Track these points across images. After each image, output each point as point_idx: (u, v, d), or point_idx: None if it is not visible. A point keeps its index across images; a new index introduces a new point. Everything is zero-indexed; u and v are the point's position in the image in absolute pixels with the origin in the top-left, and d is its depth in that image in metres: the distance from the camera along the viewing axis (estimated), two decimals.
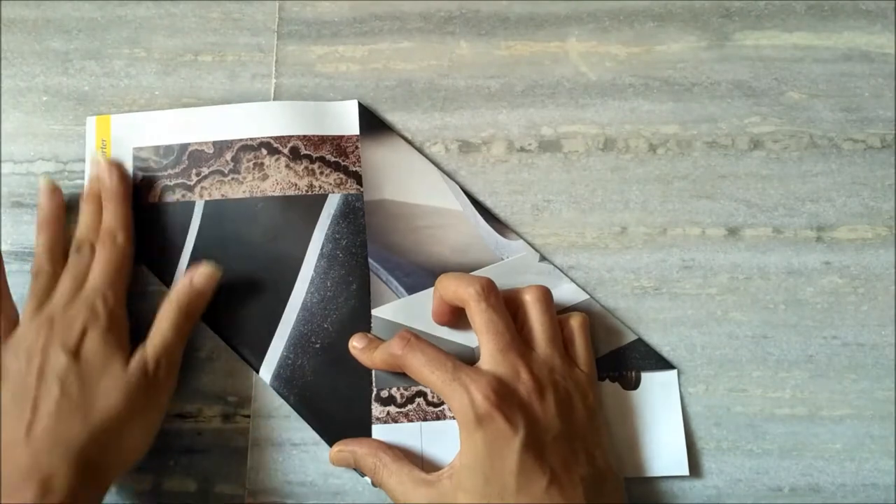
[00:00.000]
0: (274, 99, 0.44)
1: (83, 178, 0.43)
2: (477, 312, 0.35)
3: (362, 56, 0.45)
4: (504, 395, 0.33)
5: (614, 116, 0.43)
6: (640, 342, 0.40)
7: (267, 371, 0.39)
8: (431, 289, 0.40)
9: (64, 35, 0.46)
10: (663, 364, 0.39)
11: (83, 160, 0.43)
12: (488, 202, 0.42)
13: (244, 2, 0.46)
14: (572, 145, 0.43)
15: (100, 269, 0.38)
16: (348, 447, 0.37)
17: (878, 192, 0.42)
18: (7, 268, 0.42)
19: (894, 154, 0.42)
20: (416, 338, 0.36)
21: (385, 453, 0.36)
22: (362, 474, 0.37)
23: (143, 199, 0.42)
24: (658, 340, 0.40)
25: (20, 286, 0.42)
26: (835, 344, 0.40)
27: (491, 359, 0.34)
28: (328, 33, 0.45)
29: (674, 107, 0.43)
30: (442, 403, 0.39)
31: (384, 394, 0.39)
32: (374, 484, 0.37)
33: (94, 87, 0.45)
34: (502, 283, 0.40)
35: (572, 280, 0.40)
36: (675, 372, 0.39)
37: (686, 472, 0.38)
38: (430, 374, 0.34)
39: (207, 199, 0.42)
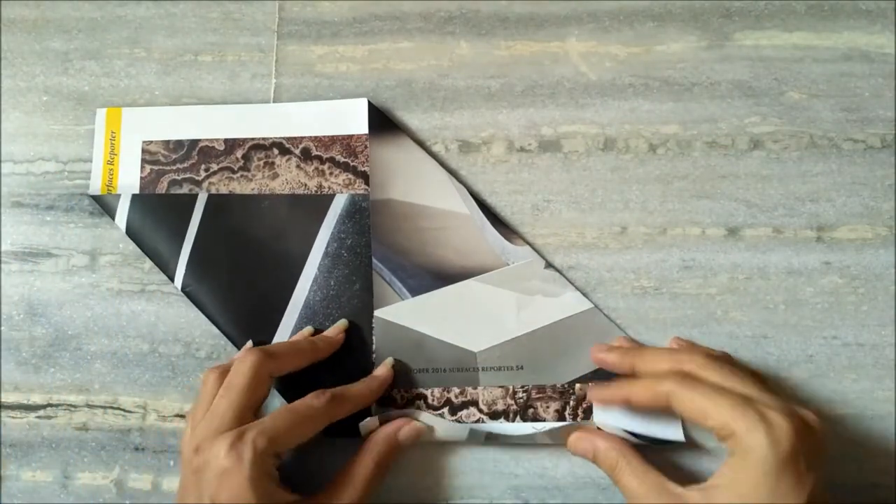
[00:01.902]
0: (274, 99, 0.44)
1: (83, 178, 0.43)
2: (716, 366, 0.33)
3: (362, 56, 0.45)
4: (806, 434, 0.31)
5: (614, 116, 0.43)
6: None
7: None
8: (434, 291, 0.40)
9: (64, 35, 0.46)
10: None
11: (83, 160, 0.44)
12: (488, 202, 0.42)
13: (244, 2, 0.46)
14: (572, 145, 0.43)
15: (229, 383, 0.35)
16: (590, 438, 0.36)
17: (878, 192, 0.42)
18: (6, 268, 0.42)
19: (894, 154, 0.42)
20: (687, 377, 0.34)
21: (632, 454, 0.34)
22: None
23: (149, 191, 0.42)
24: (658, 341, 0.40)
25: (21, 286, 0.42)
26: (835, 344, 0.40)
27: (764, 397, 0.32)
28: (328, 33, 0.45)
29: (674, 107, 0.43)
30: (441, 407, 0.39)
31: (384, 394, 0.39)
32: (612, 479, 0.35)
33: (94, 87, 0.45)
34: (507, 289, 0.40)
35: (578, 289, 0.40)
36: None
37: (681, 437, 0.37)
38: (715, 401, 0.31)
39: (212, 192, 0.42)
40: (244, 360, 0.35)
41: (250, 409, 0.34)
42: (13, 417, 0.41)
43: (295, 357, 0.37)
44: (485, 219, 0.41)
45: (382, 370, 0.39)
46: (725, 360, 0.35)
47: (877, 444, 0.39)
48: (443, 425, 0.38)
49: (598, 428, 0.37)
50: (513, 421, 0.38)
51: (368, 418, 0.38)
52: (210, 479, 0.32)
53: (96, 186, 0.43)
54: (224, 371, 0.36)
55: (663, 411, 0.34)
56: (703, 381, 0.33)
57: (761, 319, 0.40)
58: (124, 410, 0.41)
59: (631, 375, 0.36)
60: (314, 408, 0.35)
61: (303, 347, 0.38)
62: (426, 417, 0.38)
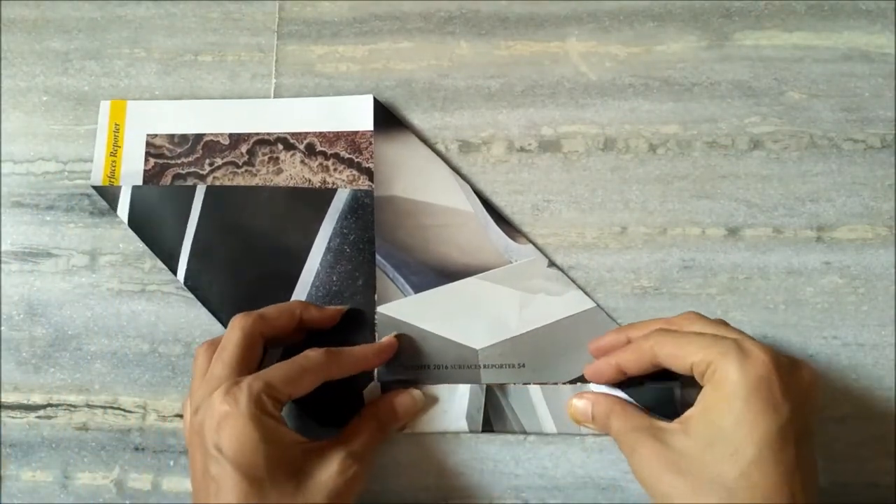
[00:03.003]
0: (274, 99, 0.44)
1: (84, 178, 0.43)
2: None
3: (362, 56, 0.45)
4: (786, 370, 0.31)
5: (614, 116, 0.43)
6: None
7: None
8: (437, 288, 0.40)
9: (64, 35, 0.46)
10: (666, 375, 0.39)
11: (83, 160, 0.44)
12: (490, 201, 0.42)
13: (244, 2, 0.46)
14: (572, 145, 0.43)
15: (222, 348, 0.35)
16: (587, 396, 0.37)
17: (878, 192, 0.42)
18: (6, 268, 0.42)
19: (894, 154, 0.42)
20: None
21: (624, 403, 0.36)
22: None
23: (152, 184, 0.43)
24: None
25: (21, 286, 0.42)
26: (835, 344, 0.40)
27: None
28: (328, 33, 0.45)
29: (674, 107, 0.43)
30: None
31: (385, 385, 0.39)
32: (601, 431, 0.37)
33: (94, 87, 0.45)
34: (510, 287, 0.40)
35: (581, 288, 0.40)
36: (677, 383, 0.39)
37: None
38: (695, 340, 0.32)
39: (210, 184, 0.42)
40: (233, 324, 0.35)
41: (245, 369, 0.34)
42: (13, 417, 0.41)
43: (283, 315, 0.37)
44: (488, 216, 0.41)
45: (385, 339, 0.39)
46: (718, 321, 0.36)
47: (877, 444, 0.39)
48: (444, 392, 0.39)
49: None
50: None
51: (371, 384, 0.39)
52: (211, 428, 0.31)
53: (98, 178, 0.43)
54: (214, 344, 0.36)
55: (655, 371, 0.35)
56: (688, 329, 0.34)
57: (761, 319, 0.40)
58: (124, 410, 0.41)
59: None
60: (310, 358, 0.34)
61: (291, 307, 0.38)
62: (427, 389, 0.39)
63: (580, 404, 0.37)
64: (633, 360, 0.35)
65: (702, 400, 0.32)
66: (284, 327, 0.37)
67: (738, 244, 0.41)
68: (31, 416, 0.41)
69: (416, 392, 0.38)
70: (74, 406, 0.41)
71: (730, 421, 0.30)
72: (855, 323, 0.40)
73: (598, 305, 0.40)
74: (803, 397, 0.31)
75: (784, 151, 0.42)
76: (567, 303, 0.40)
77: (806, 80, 0.43)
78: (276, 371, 0.33)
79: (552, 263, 0.41)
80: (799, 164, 0.42)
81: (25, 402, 0.41)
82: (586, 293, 0.40)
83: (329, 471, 0.33)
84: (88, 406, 0.41)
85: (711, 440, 0.30)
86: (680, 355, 0.32)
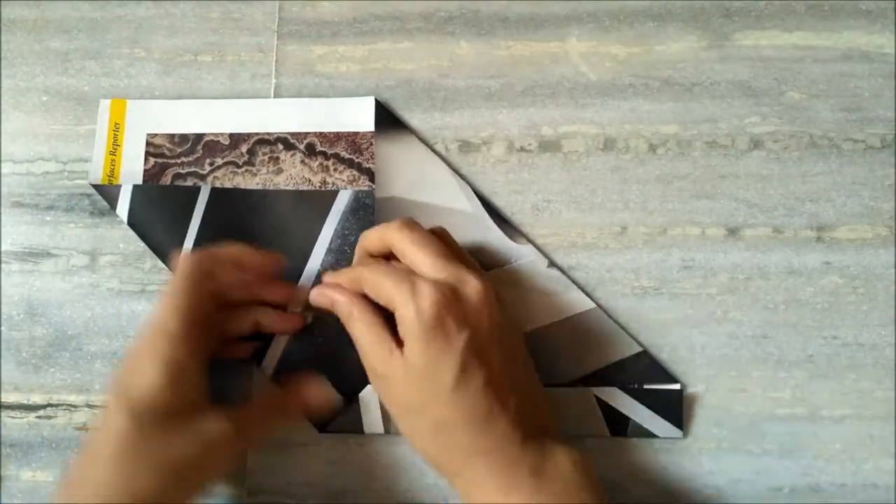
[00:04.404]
0: (274, 99, 0.44)
1: (84, 178, 0.43)
2: (407, 238, 0.35)
3: (362, 56, 0.45)
4: (452, 300, 0.33)
5: (614, 116, 0.43)
6: (644, 354, 0.39)
7: (269, 365, 0.39)
8: None
9: (64, 35, 0.46)
10: (667, 378, 0.39)
11: (83, 160, 0.44)
12: (490, 201, 0.42)
13: (244, 2, 0.46)
14: (572, 145, 0.43)
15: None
16: (328, 292, 0.36)
17: (878, 192, 0.42)
18: (6, 268, 0.42)
19: (894, 154, 0.42)
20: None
21: (364, 306, 0.35)
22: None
23: (152, 184, 0.43)
24: (658, 340, 0.40)
25: (21, 286, 0.42)
26: (835, 344, 0.40)
27: (432, 266, 0.34)
28: (328, 33, 0.45)
29: (674, 107, 0.43)
30: None
31: None
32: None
33: (94, 87, 0.45)
34: (510, 287, 0.40)
35: (581, 288, 0.40)
36: (678, 386, 0.39)
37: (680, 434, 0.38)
38: (386, 279, 0.34)
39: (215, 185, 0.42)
40: (180, 265, 0.36)
41: (188, 314, 0.34)
42: (13, 417, 0.41)
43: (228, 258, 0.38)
44: (488, 217, 0.41)
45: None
46: (438, 235, 0.37)
47: (877, 444, 0.39)
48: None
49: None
50: None
51: (370, 384, 0.38)
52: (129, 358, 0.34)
53: (97, 177, 0.43)
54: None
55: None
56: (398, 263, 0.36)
57: (761, 319, 0.40)
58: None
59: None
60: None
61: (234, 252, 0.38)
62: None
63: (319, 302, 0.37)
64: (346, 282, 0.36)
65: (403, 339, 0.33)
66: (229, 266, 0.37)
67: (738, 244, 0.41)
68: (31, 416, 0.41)
69: (330, 391, 0.38)
70: (74, 406, 0.41)
71: (418, 357, 0.32)
72: (855, 323, 0.40)
73: (599, 305, 0.40)
74: (478, 314, 0.33)
75: (784, 151, 0.42)
76: (567, 303, 0.40)
77: (806, 80, 0.43)
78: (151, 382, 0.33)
79: (552, 263, 0.41)
80: (799, 164, 0.42)
81: (25, 402, 0.41)
82: (586, 293, 0.40)
83: (205, 428, 0.33)
84: (88, 406, 0.41)
85: (413, 377, 0.33)
86: (375, 293, 0.34)
